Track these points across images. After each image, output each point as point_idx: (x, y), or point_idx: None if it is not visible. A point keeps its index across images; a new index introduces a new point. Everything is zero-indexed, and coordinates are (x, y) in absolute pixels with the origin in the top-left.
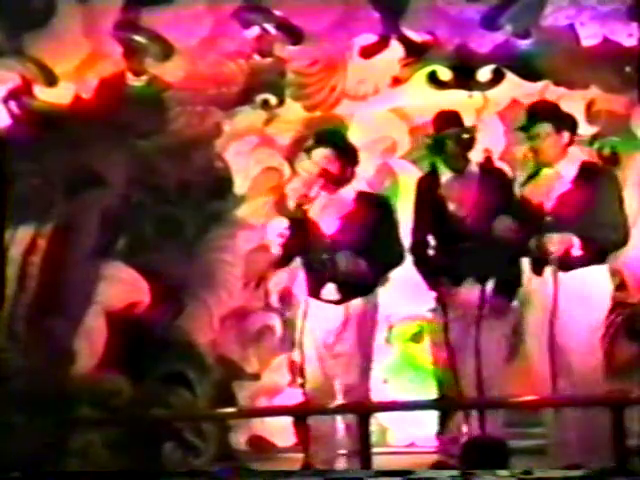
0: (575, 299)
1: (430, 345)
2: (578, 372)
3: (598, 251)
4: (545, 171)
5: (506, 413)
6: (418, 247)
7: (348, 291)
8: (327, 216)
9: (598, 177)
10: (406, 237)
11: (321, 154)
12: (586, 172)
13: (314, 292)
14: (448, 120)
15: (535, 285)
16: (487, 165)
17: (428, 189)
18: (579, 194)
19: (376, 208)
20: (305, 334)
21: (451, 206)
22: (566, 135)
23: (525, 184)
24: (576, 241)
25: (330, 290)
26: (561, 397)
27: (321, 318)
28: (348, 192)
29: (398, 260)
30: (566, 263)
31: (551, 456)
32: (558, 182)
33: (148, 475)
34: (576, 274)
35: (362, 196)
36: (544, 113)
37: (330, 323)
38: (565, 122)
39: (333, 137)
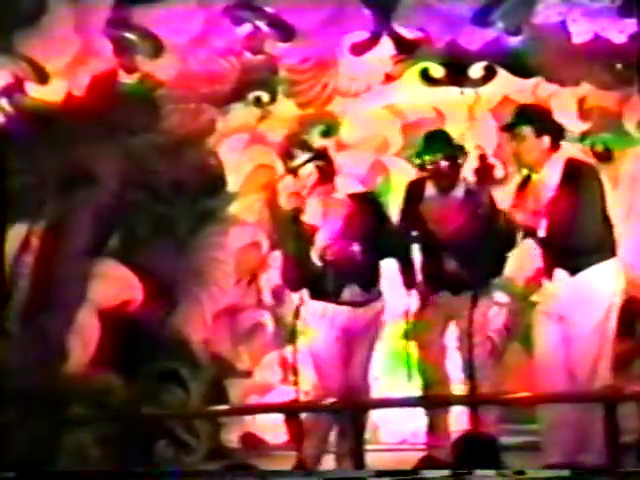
0: (579, 299)
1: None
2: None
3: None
4: (531, 176)
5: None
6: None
7: (369, 290)
8: (328, 220)
9: (580, 178)
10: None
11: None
12: (570, 174)
13: (334, 295)
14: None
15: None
16: (479, 172)
17: (417, 194)
18: (564, 198)
19: (370, 204)
20: (298, 332)
21: (430, 223)
22: (547, 140)
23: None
24: None
25: (354, 291)
26: (553, 394)
27: (316, 316)
28: (341, 196)
29: (403, 250)
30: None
31: (543, 453)
32: (543, 187)
33: (141, 473)
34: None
35: (355, 197)
36: (529, 116)
37: (326, 322)
38: (548, 128)
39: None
